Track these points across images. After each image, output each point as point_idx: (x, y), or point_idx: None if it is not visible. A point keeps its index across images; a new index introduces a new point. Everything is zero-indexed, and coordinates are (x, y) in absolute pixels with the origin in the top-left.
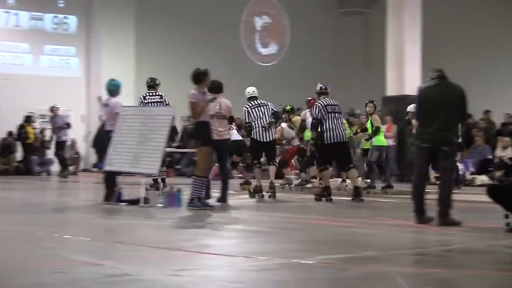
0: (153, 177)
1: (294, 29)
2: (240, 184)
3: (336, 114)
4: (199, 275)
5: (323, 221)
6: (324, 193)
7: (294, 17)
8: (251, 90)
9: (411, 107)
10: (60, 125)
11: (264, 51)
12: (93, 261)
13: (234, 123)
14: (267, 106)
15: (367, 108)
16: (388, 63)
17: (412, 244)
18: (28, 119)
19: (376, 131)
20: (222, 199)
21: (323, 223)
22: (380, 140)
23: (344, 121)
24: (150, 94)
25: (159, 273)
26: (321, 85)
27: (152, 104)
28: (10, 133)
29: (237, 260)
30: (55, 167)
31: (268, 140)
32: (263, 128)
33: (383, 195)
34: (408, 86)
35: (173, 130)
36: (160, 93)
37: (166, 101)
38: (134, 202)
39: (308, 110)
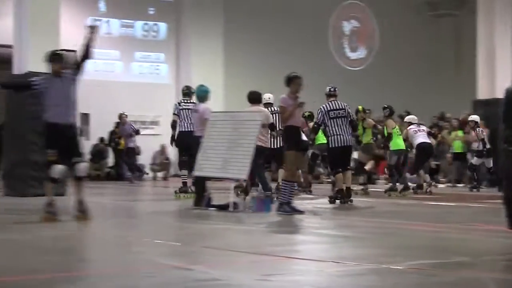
0: (183, 180)
1: (383, 33)
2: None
3: (340, 119)
4: (288, 280)
5: (412, 225)
6: (338, 196)
7: (382, 21)
8: (267, 96)
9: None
10: (129, 132)
11: (352, 55)
12: (183, 266)
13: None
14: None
15: (383, 113)
16: (479, 66)
17: (504, 249)
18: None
19: (389, 137)
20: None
21: (412, 228)
22: (398, 144)
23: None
24: (185, 101)
25: (248, 278)
26: (329, 87)
27: (186, 110)
28: (101, 139)
29: (326, 265)
30: (146, 173)
31: (277, 146)
32: (272, 136)
33: (402, 197)
34: (500, 90)
35: None
36: (194, 101)
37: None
38: (223, 207)
39: None
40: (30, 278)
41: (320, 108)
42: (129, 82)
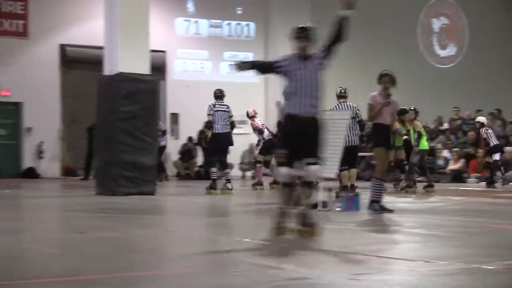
0: (213, 178)
1: (472, 29)
2: (252, 185)
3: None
4: (378, 279)
5: (501, 225)
6: (342, 191)
7: (471, 17)
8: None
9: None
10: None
11: (442, 53)
12: (272, 265)
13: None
14: None
15: (408, 114)
16: None
17: None
18: (208, 125)
19: (419, 137)
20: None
21: (501, 227)
22: (424, 144)
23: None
24: (219, 103)
25: (337, 277)
26: (340, 89)
27: (221, 112)
28: (190, 139)
29: (416, 264)
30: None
31: None
32: None
33: (426, 194)
34: None
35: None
36: (226, 104)
37: (231, 111)
38: (312, 206)
39: None
40: (118, 276)
41: (331, 109)
42: (217, 81)
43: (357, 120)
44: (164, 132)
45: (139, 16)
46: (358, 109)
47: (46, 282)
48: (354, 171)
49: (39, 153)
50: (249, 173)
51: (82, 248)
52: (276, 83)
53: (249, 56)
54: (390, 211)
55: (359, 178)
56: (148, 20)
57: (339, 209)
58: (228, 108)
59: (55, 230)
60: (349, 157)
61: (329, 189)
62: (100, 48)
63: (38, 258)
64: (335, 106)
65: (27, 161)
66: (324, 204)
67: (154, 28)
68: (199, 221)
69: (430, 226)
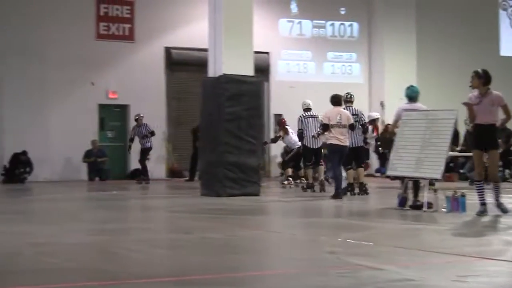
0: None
1: None
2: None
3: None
4: (484, 281)
5: None
6: (348, 189)
7: None
8: (307, 102)
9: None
10: (144, 133)
11: None
12: (375, 266)
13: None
14: (317, 118)
15: None
16: None
17: None
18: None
19: None
20: (336, 195)
21: None
22: None
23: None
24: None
25: (442, 279)
26: (346, 94)
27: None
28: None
29: None
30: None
31: (316, 146)
32: (313, 137)
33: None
34: None
35: (455, 134)
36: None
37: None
38: (417, 207)
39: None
40: (223, 276)
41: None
42: (321, 82)
43: (360, 123)
44: (152, 133)
45: (243, 17)
46: (362, 113)
47: (153, 282)
48: (361, 170)
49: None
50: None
51: (188, 249)
52: (380, 83)
53: (353, 57)
54: (506, 211)
55: (465, 179)
56: (252, 22)
57: (445, 210)
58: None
59: (162, 231)
60: (355, 157)
61: (435, 190)
62: (205, 50)
63: (145, 258)
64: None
65: (134, 163)
66: (429, 205)
67: (257, 30)
68: (302, 222)
69: None
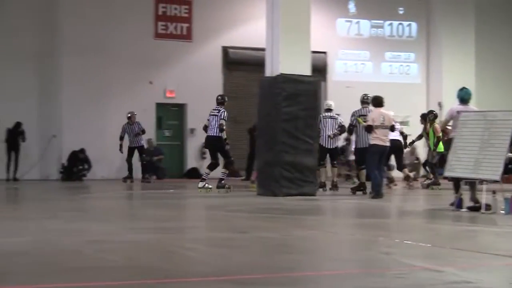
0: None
1: None
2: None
3: None
4: None
5: None
6: (361, 188)
7: None
8: (329, 103)
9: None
10: (137, 132)
11: None
12: (433, 267)
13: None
14: (336, 120)
15: (428, 117)
16: None
17: None
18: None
19: (438, 140)
20: (377, 195)
21: None
22: (441, 147)
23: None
24: (214, 108)
25: (500, 281)
26: (363, 95)
27: (212, 116)
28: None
29: None
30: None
31: (331, 147)
32: (328, 137)
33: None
34: None
35: None
36: (220, 108)
37: (222, 115)
38: (475, 208)
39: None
40: (278, 276)
41: (353, 113)
42: (378, 82)
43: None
44: (143, 131)
45: (300, 17)
46: None
47: (208, 281)
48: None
49: (202, 154)
50: (411, 174)
51: (243, 248)
52: (438, 83)
53: (411, 57)
54: None
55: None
56: (310, 21)
57: (503, 212)
58: (219, 112)
59: (217, 230)
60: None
61: (493, 192)
62: (262, 49)
63: (201, 257)
64: (359, 111)
65: (191, 162)
66: (488, 207)
67: (315, 29)
68: (359, 222)
69: None
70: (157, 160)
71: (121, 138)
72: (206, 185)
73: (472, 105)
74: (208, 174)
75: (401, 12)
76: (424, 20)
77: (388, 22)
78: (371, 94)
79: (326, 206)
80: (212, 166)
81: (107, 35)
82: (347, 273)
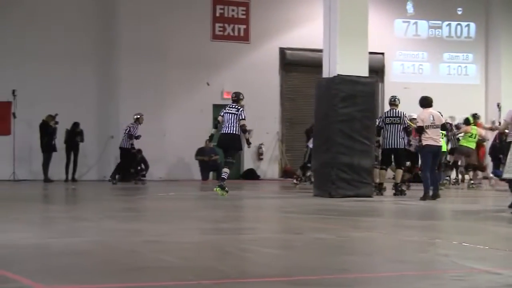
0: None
1: None
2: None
3: (394, 125)
4: None
5: None
6: (378, 188)
7: None
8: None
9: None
10: (139, 134)
11: None
12: (491, 270)
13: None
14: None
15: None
16: None
17: None
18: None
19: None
20: (434, 196)
21: None
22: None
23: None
24: (230, 106)
25: None
26: (391, 97)
27: (229, 114)
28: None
29: None
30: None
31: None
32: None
33: None
34: None
35: None
36: (238, 106)
37: (242, 115)
38: None
39: None
40: (334, 277)
41: (381, 115)
42: (436, 83)
43: (404, 126)
44: (137, 137)
45: (358, 18)
46: (405, 116)
47: (265, 282)
48: (399, 171)
49: (259, 155)
50: (467, 176)
51: (299, 249)
52: (497, 84)
53: (469, 57)
54: None
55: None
56: (367, 22)
57: None
58: (238, 110)
59: (274, 231)
60: (395, 158)
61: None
62: (319, 51)
63: (257, 258)
64: (386, 112)
65: (248, 163)
66: None
67: (373, 30)
68: (415, 224)
69: None
70: (215, 159)
71: (138, 137)
72: (227, 188)
73: None
74: (227, 173)
75: (459, 13)
76: (483, 21)
77: (447, 22)
78: (430, 95)
79: (383, 208)
80: (230, 165)
81: (165, 37)
82: (404, 275)
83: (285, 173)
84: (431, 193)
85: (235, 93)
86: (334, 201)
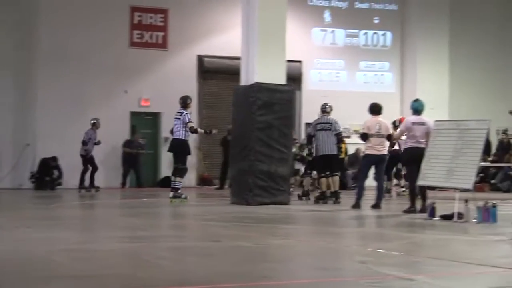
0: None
1: None
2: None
3: (325, 132)
4: None
5: None
6: (321, 197)
7: None
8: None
9: None
10: (98, 140)
11: None
12: (406, 276)
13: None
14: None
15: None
16: None
17: None
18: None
19: None
20: (376, 205)
21: None
22: None
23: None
24: (177, 111)
25: None
26: (323, 104)
27: (175, 120)
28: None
29: None
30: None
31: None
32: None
33: None
34: None
35: (487, 144)
36: (183, 111)
37: (186, 118)
38: (447, 217)
39: None
40: (252, 285)
41: (312, 122)
42: (353, 91)
43: (335, 133)
44: (98, 143)
45: (276, 26)
46: (336, 123)
47: None
48: (335, 178)
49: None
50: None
51: (218, 257)
52: (412, 92)
53: (385, 66)
54: None
55: (496, 189)
56: (285, 31)
57: (475, 220)
58: (181, 115)
59: (192, 239)
60: (329, 166)
61: (466, 200)
62: (237, 58)
63: (176, 266)
64: (317, 119)
65: (165, 170)
66: (460, 215)
67: (290, 38)
68: (333, 231)
69: None
70: (138, 154)
71: (85, 143)
72: (183, 195)
73: (424, 116)
74: (181, 182)
75: (376, 22)
76: (399, 30)
77: (363, 31)
78: (346, 103)
79: (300, 215)
80: (178, 172)
81: (83, 44)
82: (322, 282)
83: (203, 181)
84: (374, 202)
85: (181, 98)
86: (251, 209)
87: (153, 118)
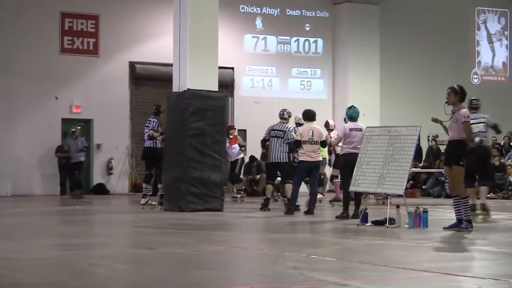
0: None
1: None
2: (330, 201)
3: (277, 139)
4: None
5: None
6: (265, 204)
7: None
8: (298, 117)
9: None
10: (81, 148)
11: None
12: (339, 281)
13: None
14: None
15: None
16: None
17: None
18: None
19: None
20: (309, 211)
21: None
22: None
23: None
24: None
25: None
26: (281, 110)
27: (145, 128)
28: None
29: (485, 282)
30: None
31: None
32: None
33: None
34: None
35: (418, 150)
36: (152, 119)
37: (151, 125)
38: (379, 222)
39: None
40: None
41: (269, 127)
42: (285, 98)
43: (287, 141)
44: (87, 148)
45: (208, 33)
46: (290, 131)
47: None
48: (288, 186)
49: (109, 170)
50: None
51: (151, 264)
52: (343, 99)
53: (317, 73)
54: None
55: (427, 194)
56: (217, 38)
57: (407, 225)
58: (150, 123)
59: (124, 246)
60: (280, 173)
61: (397, 206)
62: (169, 65)
63: (108, 273)
64: (273, 125)
65: (97, 177)
66: (391, 221)
67: (222, 45)
68: (266, 237)
69: (500, 244)
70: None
71: (66, 152)
72: (150, 201)
73: (360, 123)
74: (148, 189)
75: (307, 29)
76: (330, 37)
77: (295, 38)
78: (278, 109)
79: (234, 222)
80: (148, 179)
81: (12, 49)
82: None
83: (135, 188)
84: (305, 208)
85: (154, 105)
86: (184, 215)
87: (85, 125)
